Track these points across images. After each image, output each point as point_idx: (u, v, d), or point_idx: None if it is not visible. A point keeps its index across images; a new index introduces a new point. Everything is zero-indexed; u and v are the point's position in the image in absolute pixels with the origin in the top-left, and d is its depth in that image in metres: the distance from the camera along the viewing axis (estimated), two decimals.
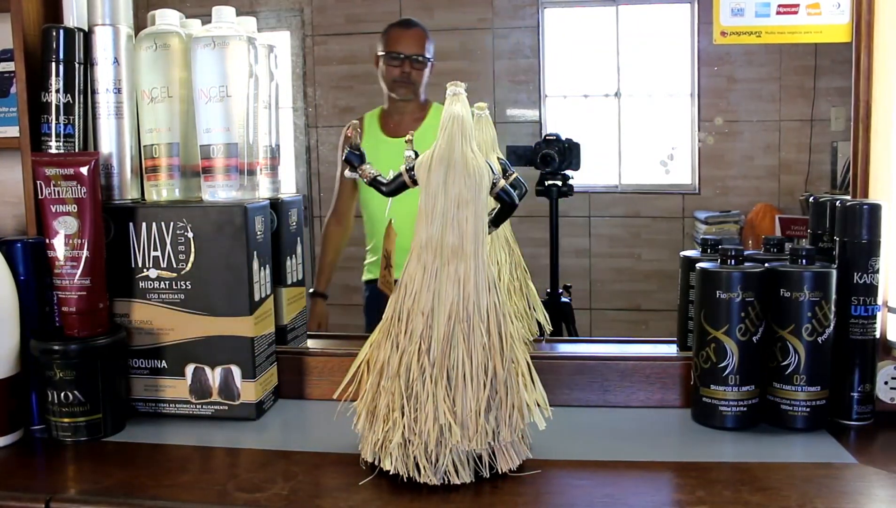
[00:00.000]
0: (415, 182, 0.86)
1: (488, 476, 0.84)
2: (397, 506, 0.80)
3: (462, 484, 0.82)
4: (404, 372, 0.83)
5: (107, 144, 1.11)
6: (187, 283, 1.05)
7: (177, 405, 1.08)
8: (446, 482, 0.82)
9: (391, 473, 0.84)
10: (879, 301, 1.00)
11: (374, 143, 2.08)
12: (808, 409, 0.98)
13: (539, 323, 1.19)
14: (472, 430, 0.82)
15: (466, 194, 0.84)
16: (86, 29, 1.11)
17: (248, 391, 1.06)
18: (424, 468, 0.82)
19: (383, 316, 0.88)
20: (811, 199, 1.12)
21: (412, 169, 0.86)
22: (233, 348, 1.05)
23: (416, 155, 0.87)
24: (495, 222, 0.92)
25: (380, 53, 2.21)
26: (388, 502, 0.81)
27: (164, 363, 1.07)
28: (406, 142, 0.90)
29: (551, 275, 1.65)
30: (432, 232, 0.84)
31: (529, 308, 1.18)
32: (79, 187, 1.01)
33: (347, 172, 0.94)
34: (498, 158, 1.12)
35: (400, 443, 0.82)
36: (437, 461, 0.82)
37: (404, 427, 0.82)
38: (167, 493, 0.85)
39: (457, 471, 0.83)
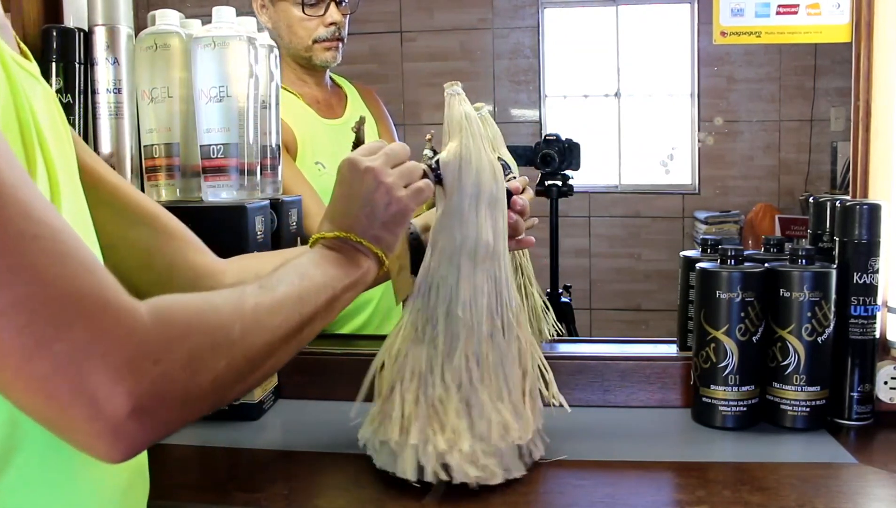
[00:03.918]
0: (439, 181, 0.84)
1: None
2: (397, 506, 0.81)
3: (462, 484, 0.82)
4: (454, 378, 0.81)
5: (107, 145, 1.11)
6: None
7: None
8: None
9: (453, 483, 0.80)
10: (879, 301, 1.00)
11: (312, 128, 1.51)
12: (807, 409, 0.98)
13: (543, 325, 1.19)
14: (524, 427, 0.83)
15: (497, 193, 0.84)
16: (86, 29, 1.11)
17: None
18: (484, 468, 0.81)
19: (405, 322, 0.84)
20: (811, 199, 1.12)
21: (436, 169, 0.83)
22: None
23: (435, 153, 0.86)
24: None
25: None
26: (388, 502, 0.81)
27: None
28: (427, 141, 0.88)
29: (551, 275, 1.66)
30: (467, 233, 0.83)
31: (539, 310, 1.18)
32: None
33: None
34: (498, 158, 1.12)
35: (464, 450, 0.80)
36: (494, 460, 0.81)
37: (467, 434, 0.80)
38: (167, 493, 0.85)
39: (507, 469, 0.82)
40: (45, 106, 0.59)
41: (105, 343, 0.46)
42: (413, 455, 0.80)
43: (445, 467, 0.79)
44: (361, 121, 0.90)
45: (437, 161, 0.84)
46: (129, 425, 0.46)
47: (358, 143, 0.89)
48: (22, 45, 0.63)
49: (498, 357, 0.83)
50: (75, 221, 0.60)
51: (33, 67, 0.61)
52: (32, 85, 0.57)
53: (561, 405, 0.89)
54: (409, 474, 0.80)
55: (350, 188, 0.75)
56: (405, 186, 0.77)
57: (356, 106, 1.62)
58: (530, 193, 1.01)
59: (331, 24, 1.48)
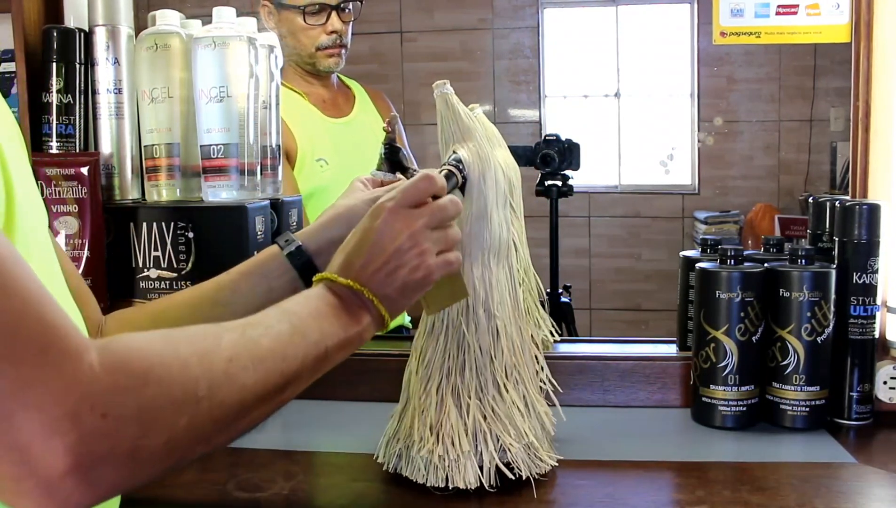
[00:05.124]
0: (465, 181, 0.82)
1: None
2: (398, 505, 0.81)
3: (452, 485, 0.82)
4: (504, 376, 0.82)
5: (107, 145, 1.11)
6: (188, 283, 1.05)
7: None
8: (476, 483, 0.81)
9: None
10: (878, 301, 1.01)
11: (315, 126, 1.54)
12: (807, 409, 0.98)
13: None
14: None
15: (505, 190, 0.85)
16: (86, 29, 1.11)
17: None
18: (541, 459, 0.83)
19: (441, 330, 0.83)
20: (810, 199, 1.13)
21: (463, 170, 0.81)
22: None
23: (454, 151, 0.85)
24: None
25: (285, 2, 1.50)
26: (389, 503, 0.81)
27: None
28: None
29: (551, 275, 1.65)
30: (493, 233, 0.83)
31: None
32: (79, 187, 1.01)
33: (399, 173, 0.87)
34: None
35: (532, 444, 0.82)
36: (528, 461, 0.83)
37: (527, 429, 0.82)
38: (167, 493, 0.85)
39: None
40: None
41: (41, 391, 0.40)
42: (474, 462, 0.79)
43: (508, 465, 0.81)
44: (394, 119, 0.87)
45: (459, 160, 0.81)
46: (65, 484, 0.41)
47: (390, 142, 0.86)
48: None
49: (525, 349, 0.86)
50: (33, 234, 0.55)
51: None
52: None
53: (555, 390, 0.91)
54: (473, 481, 0.79)
55: (380, 238, 0.67)
56: (438, 253, 0.69)
57: (364, 106, 1.64)
58: None
59: (332, 32, 1.50)
